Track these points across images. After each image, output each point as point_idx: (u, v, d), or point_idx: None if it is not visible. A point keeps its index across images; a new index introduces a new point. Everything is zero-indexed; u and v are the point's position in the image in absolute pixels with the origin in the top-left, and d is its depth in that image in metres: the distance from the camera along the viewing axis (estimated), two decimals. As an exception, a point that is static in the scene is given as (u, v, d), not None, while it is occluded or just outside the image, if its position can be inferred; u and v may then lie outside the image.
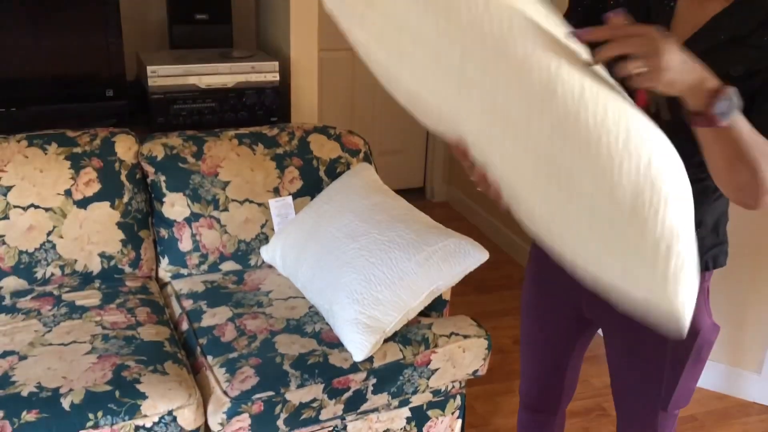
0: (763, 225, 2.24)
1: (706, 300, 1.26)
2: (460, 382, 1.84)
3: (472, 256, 1.69)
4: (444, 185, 4.00)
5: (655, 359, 1.27)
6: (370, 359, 1.64)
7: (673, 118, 1.04)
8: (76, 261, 1.87)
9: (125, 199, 1.92)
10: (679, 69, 0.89)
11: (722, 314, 2.39)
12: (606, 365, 1.40)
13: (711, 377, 2.44)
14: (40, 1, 2.10)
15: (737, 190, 1.03)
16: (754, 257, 2.29)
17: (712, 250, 1.22)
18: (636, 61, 0.87)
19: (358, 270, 1.69)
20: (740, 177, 1.00)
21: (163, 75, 2.22)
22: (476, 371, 1.80)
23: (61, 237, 1.84)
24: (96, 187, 1.88)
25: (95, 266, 1.89)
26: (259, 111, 2.36)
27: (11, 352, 1.56)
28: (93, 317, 1.72)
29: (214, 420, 1.53)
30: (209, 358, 1.65)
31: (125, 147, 1.95)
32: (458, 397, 1.86)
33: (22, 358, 1.54)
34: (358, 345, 1.62)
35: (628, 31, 0.88)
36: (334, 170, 2.11)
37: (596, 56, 0.88)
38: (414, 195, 4.01)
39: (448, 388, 1.82)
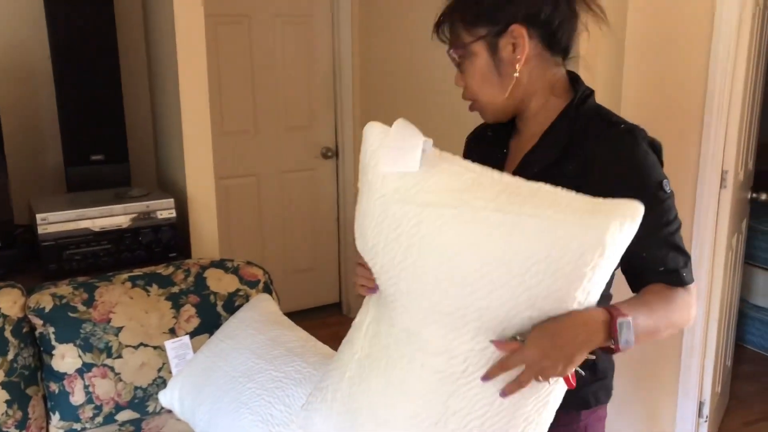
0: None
1: None
2: None
3: (370, 384, 1.68)
4: (360, 299, 4.00)
5: None
6: (272, 505, 1.58)
7: None
8: (-45, 429, 1.76)
9: (10, 356, 1.83)
10: (557, 355, 0.98)
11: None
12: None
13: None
14: None
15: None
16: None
17: (589, 387, 1.23)
18: (530, 377, 1.00)
19: (254, 411, 1.65)
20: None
21: (53, 221, 2.19)
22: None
23: (-61, 404, 1.74)
24: (-23, 347, 1.80)
25: (-23, 432, 1.79)
26: (157, 249, 2.34)
27: None
28: (-28, 491, 1.61)
29: None
30: None
31: (10, 301, 1.89)
32: None
33: None
34: (258, 492, 1.56)
35: (505, 363, 1.00)
36: (233, 304, 2.09)
37: (505, 393, 1.02)
38: (330, 311, 4.00)
39: None
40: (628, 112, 2.36)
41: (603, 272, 0.99)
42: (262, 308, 2.01)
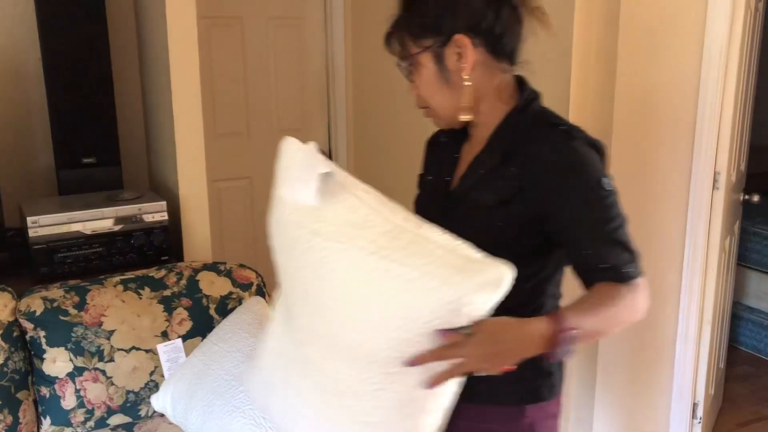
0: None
1: None
2: None
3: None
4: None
5: None
6: None
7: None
8: (-55, 434, 1.74)
9: (0, 360, 1.82)
10: (496, 360, 1.02)
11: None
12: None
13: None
14: None
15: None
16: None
17: (532, 383, 1.23)
18: (464, 372, 1.03)
19: (247, 415, 1.64)
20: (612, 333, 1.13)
21: (44, 224, 2.18)
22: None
23: (-72, 409, 1.72)
24: (-33, 351, 1.79)
25: (-33, 437, 1.77)
26: (149, 252, 2.33)
27: None
28: (-38, 496, 1.59)
29: None
30: None
31: (0, 305, 1.87)
32: None
33: None
34: (251, 496, 1.56)
35: (443, 353, 1.01)
36: (226, 307, 2.08)
37: (431, 384, 1.03)
38: (325, 314, 3.98)
39: None
40: (621, 114, 2.36)
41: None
42: (255, 311, 2.00)
